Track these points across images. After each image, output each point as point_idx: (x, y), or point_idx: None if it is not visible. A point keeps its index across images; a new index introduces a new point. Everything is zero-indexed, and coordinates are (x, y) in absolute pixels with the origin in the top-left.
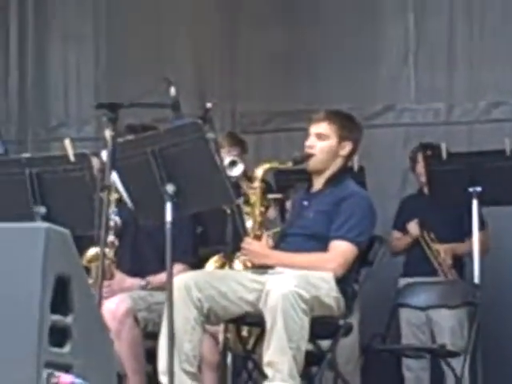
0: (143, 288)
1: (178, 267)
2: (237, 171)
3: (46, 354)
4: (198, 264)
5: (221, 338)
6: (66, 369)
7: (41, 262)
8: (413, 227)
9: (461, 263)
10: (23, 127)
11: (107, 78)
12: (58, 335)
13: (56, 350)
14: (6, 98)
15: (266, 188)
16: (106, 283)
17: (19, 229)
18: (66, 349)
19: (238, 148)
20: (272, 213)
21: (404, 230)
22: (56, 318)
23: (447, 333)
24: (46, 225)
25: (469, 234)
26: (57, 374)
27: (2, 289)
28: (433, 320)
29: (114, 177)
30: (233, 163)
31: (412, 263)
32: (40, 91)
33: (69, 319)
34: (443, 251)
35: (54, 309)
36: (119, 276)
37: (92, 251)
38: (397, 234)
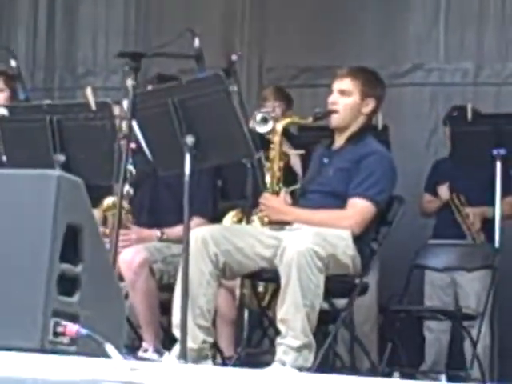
0: (159, 239)
1: (196, 220)
2: (265, 128)
3: (54, 303)
4: (217, 218)
5: (237, 293)
6: (73, 318)
7: (52, 210)
8: (443, 191)
9: (489, 227)
10: (50, 74)
11: (136, 27)
12: (67, 284)
13: (64, 298)
14: (34, 44)
15: (290, 140)
16: (122, 232)
17: (31, 176)
18: (75, 298)
19: (283, 103)
20: (298, 165)
21: (435, 193)
22: (65, 266)
23: (472, 297)
24: (57, 172)
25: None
26: (64, 323)
27: (13, 236)
28: (458, 283)
29: (135, 126)
30: (264, 120)
31: (441, 226)
32: (68, 39)
33: (78, 269)
34: (472, 215)
35: (64, 258)
36: (135, 228)
37: (108, 200)
38: (428, 197)
